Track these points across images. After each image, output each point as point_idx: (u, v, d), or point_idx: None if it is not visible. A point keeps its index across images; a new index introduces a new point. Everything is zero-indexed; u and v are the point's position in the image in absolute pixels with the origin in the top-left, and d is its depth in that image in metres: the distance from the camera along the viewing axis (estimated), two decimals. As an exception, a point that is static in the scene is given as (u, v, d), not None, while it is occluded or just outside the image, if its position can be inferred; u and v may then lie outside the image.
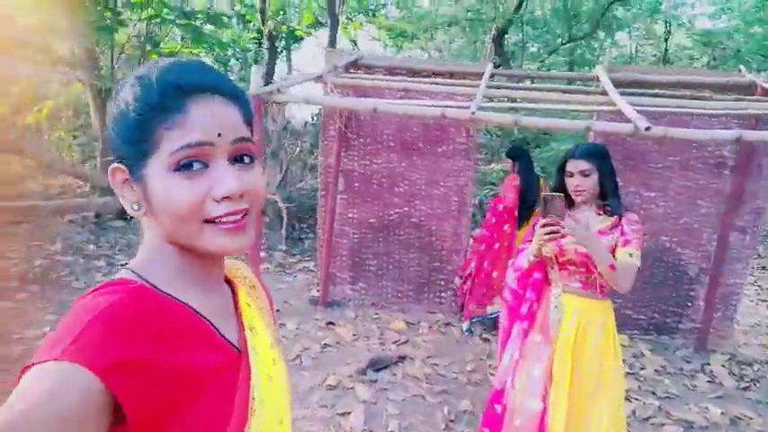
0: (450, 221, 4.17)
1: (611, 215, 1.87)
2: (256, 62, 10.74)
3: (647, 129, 2.21)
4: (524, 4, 10.11)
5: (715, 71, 6.76)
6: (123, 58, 8.02)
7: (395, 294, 4.29)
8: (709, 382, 3.44)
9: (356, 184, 4.17)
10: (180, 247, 0.63)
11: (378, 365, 3.26)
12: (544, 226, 1.73)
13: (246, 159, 0.63)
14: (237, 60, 11.51)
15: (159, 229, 0.62)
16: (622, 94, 3.13)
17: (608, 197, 1.88)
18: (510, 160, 3.95)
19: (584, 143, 1.99)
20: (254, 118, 0.71)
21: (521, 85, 3.54)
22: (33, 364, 0.50)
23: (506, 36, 10.50)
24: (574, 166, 1.86)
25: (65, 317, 0.54)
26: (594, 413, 1.83)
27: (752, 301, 5.18)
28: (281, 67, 12.01)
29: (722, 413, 3.01)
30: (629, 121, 2.50)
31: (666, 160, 3.82)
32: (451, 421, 2.76)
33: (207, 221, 0.60)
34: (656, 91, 3.56)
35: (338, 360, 3.36)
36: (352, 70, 3.96)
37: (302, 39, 11.53)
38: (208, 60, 10.84)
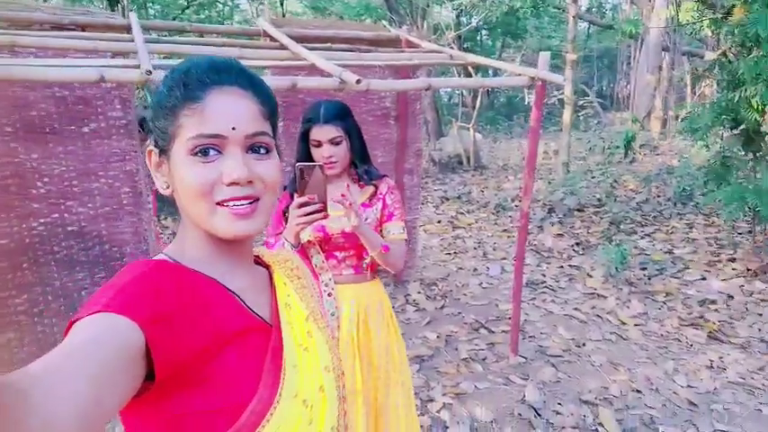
0: (127, 219, 3.27)
1: (368, 183, 1.63)
2: None
3: (358, 81, 2.02)
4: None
5: (364, 24, 7.37)
6: None
7: (67, 331, 3.17)
8: (416, 310, 3.83)
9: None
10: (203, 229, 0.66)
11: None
12: (302, 205, 1.28)
13: (262, 150, 0.66)
14: None
15: (184, 210, 0.67)
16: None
17: (360, 163, 1.62)
18: None
19: (324, 102, 1.59)
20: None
21: (185, 39, 2.92)
22: (79, 318, 0.53)
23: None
24: (321, 133, 1.53)
25: (104, 283, 0.58)
26: (391, 409, 1.64)
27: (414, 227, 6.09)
28: None
29: (435, 336, 3.36)
30: (328, 75, 2.28)
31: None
32: None
33: (218, 204, 0.63)
34: (325, 45, 3.49)
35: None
36: None
37: None
38: None
